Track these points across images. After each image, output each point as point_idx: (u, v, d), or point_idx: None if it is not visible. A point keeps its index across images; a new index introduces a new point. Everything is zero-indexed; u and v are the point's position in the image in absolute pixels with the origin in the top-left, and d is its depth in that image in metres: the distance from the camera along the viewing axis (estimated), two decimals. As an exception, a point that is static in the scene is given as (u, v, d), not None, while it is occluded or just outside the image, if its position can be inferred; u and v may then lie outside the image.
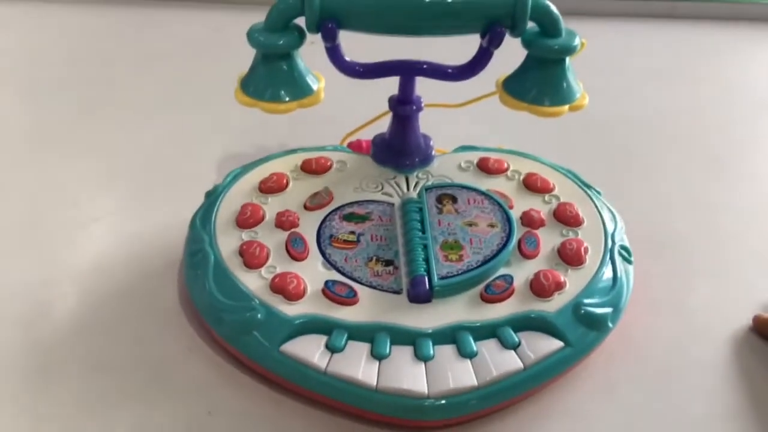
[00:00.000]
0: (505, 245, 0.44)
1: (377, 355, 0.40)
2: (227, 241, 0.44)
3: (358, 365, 0.39)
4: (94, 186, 0.55)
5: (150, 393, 0.41)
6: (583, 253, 0.44)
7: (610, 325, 0.43)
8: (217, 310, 0.42)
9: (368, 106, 0.51)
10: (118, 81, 0.67)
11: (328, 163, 0.50)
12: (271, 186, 0.48)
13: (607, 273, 0.44)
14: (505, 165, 0.50)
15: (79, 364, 0.42)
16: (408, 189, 0.48)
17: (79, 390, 0.41)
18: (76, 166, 0.56)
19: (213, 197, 0.47)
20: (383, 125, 0.51)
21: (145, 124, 0.61)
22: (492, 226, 0.45)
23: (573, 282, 0.43)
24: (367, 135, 0.53)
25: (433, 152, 0.50)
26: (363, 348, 0.40)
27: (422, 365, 0.39)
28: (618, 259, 0.45)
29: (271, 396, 0.41)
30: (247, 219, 0.46)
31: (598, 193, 0.50)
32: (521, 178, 0.49)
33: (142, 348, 0.43)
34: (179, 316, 0.45)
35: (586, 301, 0.42)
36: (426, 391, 0.38)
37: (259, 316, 0.41)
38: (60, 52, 0.71)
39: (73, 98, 0.64)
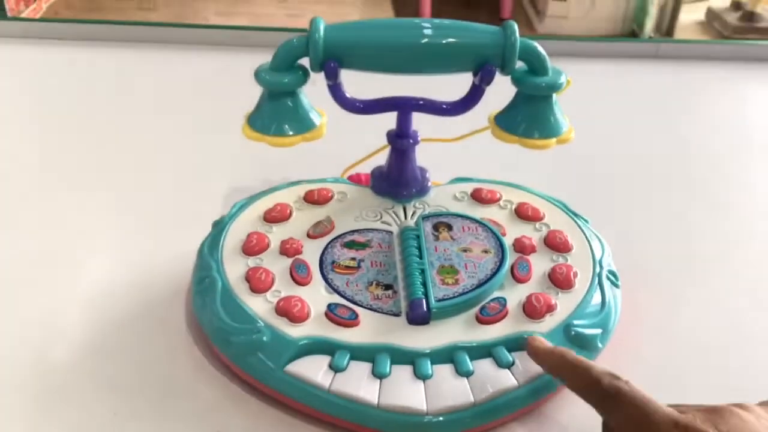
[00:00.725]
0: (498, 270, 0.46)
1: (378, 374, 0.42)
2: (234, 268, 0.47)
3: (360, 384, 0.41)
4: (104, 219, 0.57)
5: (159, 414, 0.43)
6: (572, 277, 0.47)
7: (600, 345, 0.45)
8: (224, 333, 0.44)
9: (368, 140, 0.54)
10: (127, 119, 0.70)
11: (330, 194, 0.52)
12: (276, 216, 0.50)
13: (596, 296, 0.46)
14: (498, 195, 0.53)
15: (89, 386, 0.44)
16: (406, 218, 0.51)
17: (89, 412, 0.43)
18: (86, 201, 0.59)
19: (220, 227, 0.50)
20: (382, 158, 0.53)
21: (154, 159, 0.64)
22: (486, 251, 0.48)
23: (563, 304, 0.45)
24: (366, 168, 0.55)
25: (430, 183, 0.53)
26: (365, 367, 0.42)
27: (421, 383, 0.41)
28: (606, 283, 0.47)
29: (277, 416, 0.43)
30: (253, 247, 0.48)
31: (586, 221, 0.52)
32: (513, 207, 0.52)
33: (151, 371, 0.45)
34: (187, 340, 0.47)
35: (576, 322, 0.44)
36: (425, 408, 0.40)
37: (264, 338, 0.43)
38: (68, 91, 0.74)
39: (82, 136, 0.67)
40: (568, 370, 0.40)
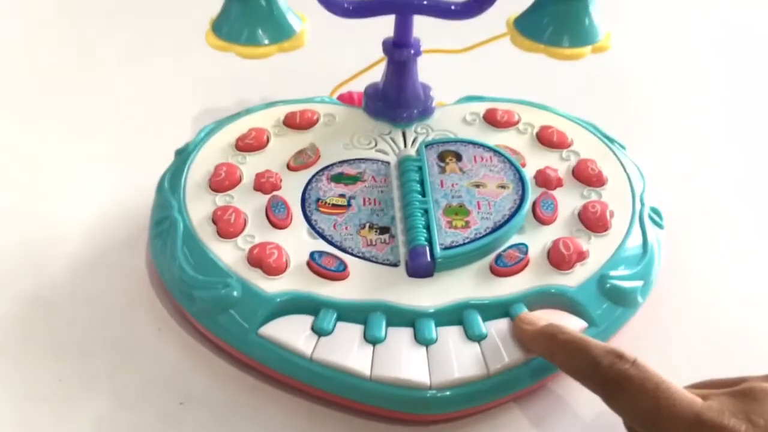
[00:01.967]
0: (518, 209, 0.38)
1: (371, 339, 0.34)
2: (199, 207, 0.39)
3: (348, 350, 0.34)
4: (53, 147, 0.48)
5: (112, 380, 0.36)
6: (608, 217, 0.39)
7: (640, 300, 0.37)
8: (186, 287, 0.36)
9: (361, 53, 0.45)
10: (79, 32, 0.60)
11: (315, 117, 0.44)
12: (250, 143, 0.42)
13: (636, 240, 0.38)
14: (516, 117, 0.44)
15: (33, 348, 0.37)
16: (405, 145, 0.42)
17: (33, 378, 0.36)
18: (33, 126, 0.50)
19: (183, 156, 0.42)
20: (377, 74, 0.44)
21: (110, 77, 0.54)
22: (502, 187, 0.39)
23: (597, 251, 0.37)
24: (360, 86, 0.46)
25: (434, 103, 0.44)
26: (354, 330, 0.34)
27: (423, 350, 0.34)
28: (648, 224, 0.39)
29: (251, 383, 0.36)
30: (221, 181, 0.40)
31: (622, 147, 0.44)
32: (534, 131, 0.43)
33: (105, 329, 0.38)
34: (148, 292, 0.39)
35: (613, 273, 0.37)
36: (428, 381, 0.33)
37: (234, 293, 0.35)
38: (14, 4, 0.64)
39: (30, 52, 0.58)
40: (561, 352, 0.32)
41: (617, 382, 0.29)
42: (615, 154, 0.42)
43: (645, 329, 0.38)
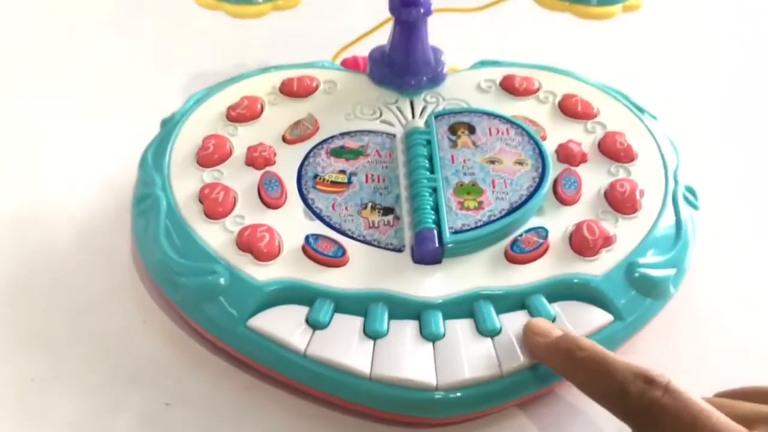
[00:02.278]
0: (537, 188, 0.34)
1: (372, 333, 0.31)
2: (184, 184, 0.35)
3: (347, 346, 0.30)
4: (27, 117, 0.44)
5: (93, 378, 0.32)
6: (637, 196, 0.35)
7: (672, 290, 0.34)
8: (169, 271, 0.33)
9: (367, 13, 0.41)
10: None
11: (314, 84, 0.40)
12: (242, 113, 0.38)
13: (669, 223, 0.35)
14: (536, 84, 0.40)
15: (2, 341, 0.34)
16: (413, 116, 0.38)
17: (2, 376, 0.32)
18: (4, 94, 0.46)
19: (169, 127, 0.38)
20: (384, 37, 0.40)
21: (92, 40, 0.50)
22: (520, 163, 0.35)
23: (625, 235, 0.34)
24: (366, 50, 0.42)
25: (445, 69, 0.40)
26: (354, 323, 0.31)
27: (430, 346, 0.31)
28: (682, 204, 0.35)
29: (246, 381, 0.32)
30: (209, 155, 0.36)
31: (654, 118, 0.39)
32: (556, 100, 0.39)
33: (84, 320, 0.34)
34: (132, 277, 0.36)
35: (642, 260, 0.33)
36: (434, 381, 0.30)
37: (221, 280, 0.32)
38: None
39: (4, 12, 0.54)
40: (581, 373, 0.28)
41: (649, 413, 0.25)
42: (646, 126, 0.38)
43: (675, 323, 0.34)
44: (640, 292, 0.33)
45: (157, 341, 0.34)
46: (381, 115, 0.38)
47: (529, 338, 0.30)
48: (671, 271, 0.33)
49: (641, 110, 0.39)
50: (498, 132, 0.37)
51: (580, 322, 0.31)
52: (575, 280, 0.32)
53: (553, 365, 0.29)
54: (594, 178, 0.36)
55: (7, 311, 0.35)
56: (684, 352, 0.34)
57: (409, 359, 0.30)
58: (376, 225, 0.34)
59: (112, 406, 0.32)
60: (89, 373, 0.33)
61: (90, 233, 0.38)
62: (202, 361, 0.33)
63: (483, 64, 0.42)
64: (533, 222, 0.34)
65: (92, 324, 0.34)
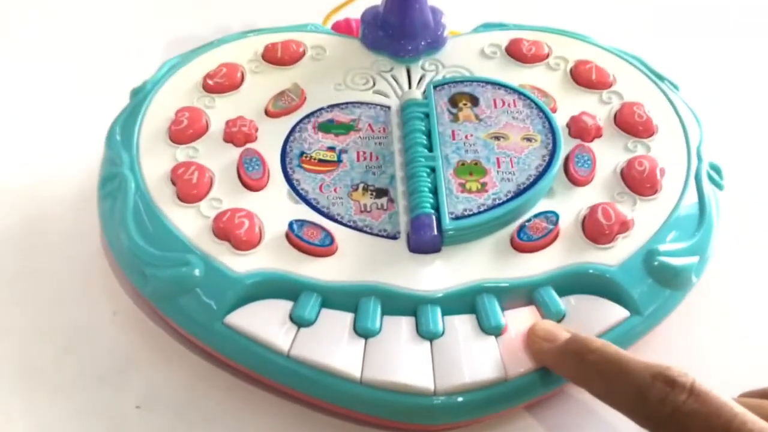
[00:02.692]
0: (547, 168, 0.31)
1: (362, 331, 0.28)
2: (155, 162, 0.32)
3: (335, 346, 0.27)
4: None
5: (58, 376, 0.29)
6: (657, 175, 0.31)
7: (694, 279, 0.30)
8: (138, 262, 0.30)
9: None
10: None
11: (300, 50, 0.36)
12: (219, 82, 0.34)
13: (691, 205, 0.31)
14: (546, 49, 0.36)
15: None
16: (410, 86, 0.35)
17: None
18: None
19: (139, 98, 0.34)
20: (378, -4, 0.37)
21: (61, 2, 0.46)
22: (528, 139, 0.32)
23: (644, 219, 0.30)
24: (358, 12, 0.38)
25: (445, 32, 0.36)
26: (343, 320, 0.28)
27: (427, 345, 0.27)
28: (706, 184, 0.32)
29: (220, 379, 0.29)
30: (183, 130, 0.33)
31: (675, 87, 0.36)
32: (568, 67, 0.35)
33: (47, 313, 0.31)
34: (101, 266, 0.33)
35: (663, 247, 0.30)
36: (431, 386, 0.27)
37: (195, 272, 0.29)
38: None
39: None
40: (595, 379, 0.25)
41: (674, 421, 0.22)
42: (666, 96, 0.35)
43: (695, 316, 0.31)
44: (659, 282, 0.30)
45: (128, 337, 0.31)
46: (374, 84, 0.35)
47: (533, 343, 0.27)
48: (693, 259, 0.30)
49: (661, 78, 0.36)
50: (504, 104, 0.33)
51: (593, 317, 0.28)
52: (589, 271, 0.29)
53: (562, 372, 0.26)
54: (609, 155, 0.32)
55: None
56: (706, 348, 0.31)
57: (404, 360, 0.27)
58: (368, 209, 0.30)
59: (78, 410, 0.29)
60: (53, 373, 0.30)
61: (55, 217, 0.35)
62: (177, 359, 0.30)
63: (487, 27, 0.38)
64: (542, 205, 0.31)
65: (57, 318, 0.31)
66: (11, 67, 0.42)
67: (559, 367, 0.26)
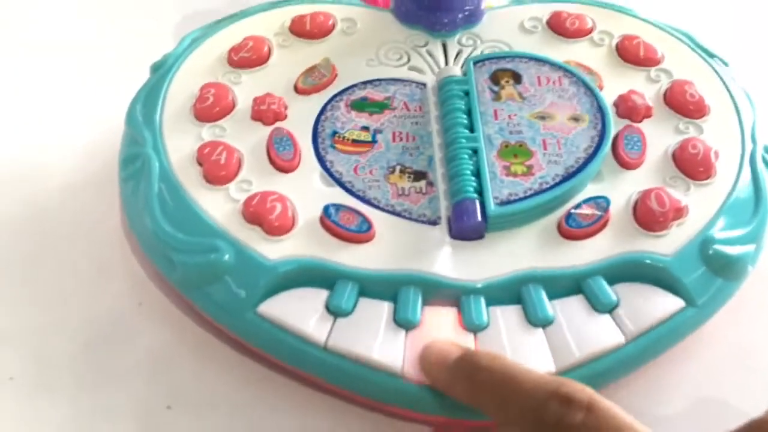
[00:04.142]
0: (597, 150, 0.29)
1: (402, 321, 0.26)
2: (180, 142, 0.30)
3: (374, 337, 0.26)
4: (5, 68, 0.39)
5: (80, 378, 0.28)
6: (712, 158, 0.30)
7: (750, 268, 0.29)
8: (163, 247, 0.28)
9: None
10: None
11: (330, 22, 0.34)
12: (246, 57, 0.33)
13: (746, 190, 0.30)
14: (590, 23, 0.34)
15: None
16: (446, 62, 0.33)
17: None
18: None
19: (161, 73, 0.32)
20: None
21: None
22: (575, 119, 0.30)
23: (698, 206, 0.29)
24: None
25: (483, 5, 0.34)
26: (381, 310, 0.26)
27: (470, 338, 0.26)
28: (762, 168, 0.30)
29: (255, 373, 0.28)
30: (209, 107, 0.31)
31: (725, 64, 0.34)
32: (614, 43, 0.34)
33: (70, 305, 0.29)
34: (121, 251, 0.31)
35: (720, 234, 0.28)
36: (477, 381, 0.25)
37: (225, 258, 0.27)
38: None
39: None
40: (488, 401, 0.23)
41: None
42: (718, 74, 0.33)
43: (749, 307, 0.30)
44: (714, 271, 0.28)
45: (156, 329, 0.29)
46: (409, 60, 0.33)
47: (424, 368, 0.25)
48: (750, 247, 0.29)
49: (711, 55, 0.34)
50: (548, 81, 0.31)
51: (647, 307, 0.27)
52: (646, 261, 0.27)
53: (455, 395, 0.24)
54: (660, 136, 0.31)
55: None
56: (760, 340, 0.29)
57: (447, 354, 0.26)
58: (406, 193, 0.29)
59: (105, 412, 0.27)
60: (76, 372, 0.28)
61: (71, 202, 0.33)
62: (208, 352, 0.28)
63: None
64: (590, 190, 0.29)
65: (79, 311, 0.29)
66: (23, 44, 0.40)
67: (451, 390, 0.24)
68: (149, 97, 0.32)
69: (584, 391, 0.22)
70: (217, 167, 0.29)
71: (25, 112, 0.37)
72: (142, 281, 0.30)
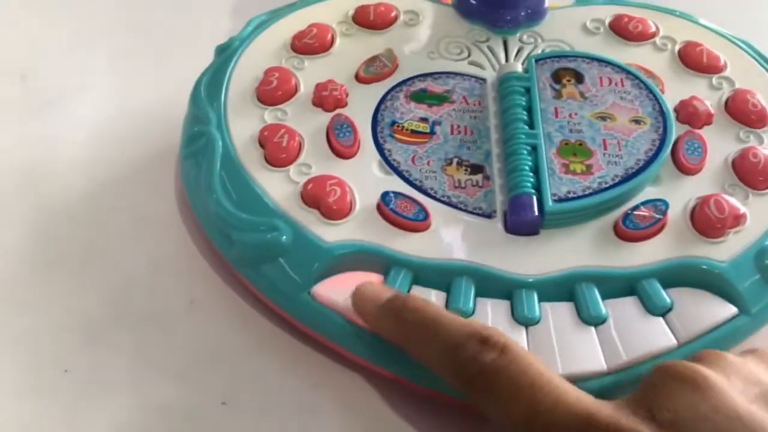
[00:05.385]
0: (657, 153, 0.29)
1: (455, 311, 0.26)
2: (243, 123, 0.31)
3: (426, 325, 0.26)
4: (63, 41, 0.38)
5: (136, 367, 0.27)
6: (772, 169, 0.30)
7: (805, 280, 0.29)
8: (223, 224, 0.29)
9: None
10: None
11: (393, 14, 0.34)
12: (309, 43, 0.33)
13: (806, 202, 0.29)
14: (653, 28, 0.34)
15: (35, 319, 0.28)
16: (507, 58, 0.33)
17: (33, 361, 0.27)
18: (42, 14, 0.40)
19: (226, 55, 0.33)
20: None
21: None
22: (637, 121, 0.30)
23: (756, 214, 0.28)
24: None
25: (546, 4, 0.35)
26: (435, 298, 0.27)
27: (522, 332, 0.26)
28: (822, 182, 0.30)
29: (304, 353, 0.28)
30: (272, 91, 0.31)
31: (787, 76, 0.34)
32: (676, 48, 0.34)
33: (126, 297, 0.29)
34: (177, 227, 0.31)
35: (775, 245, 0.28)
36: (527, 374, 0.25)
37: (283, 238, 0.28)
38: None
39: None
40: (411, 338, 0.25)
41: (482, 378, 0.23)
42: (780, 85, 0.33)
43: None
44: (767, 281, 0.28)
45: (210, 326, 0.28)
46: (469, 54, 0.33)
47: (355, 304, 0.26)
48: (807, 259, 0.28)
49: (774, 65, 0.34)
50: (610, 82, 0.31)
51: (701, 313, 0.27)
52: (702, 266, 0.27)
53: (382, 331, 0.25)
54: (720, 143, 0.30)
55: (32, 287, 0.29)
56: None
57: (498, 346, 0.26)
58: (462, 185, 0.29)
59: (159, 405, 0.26)
60: (131, 366, 0.27)
61: (133, 175, 0.33)
62: (264, 348, 0.28)
63: (587, 1, 0.36)
64: (648, 193, 0.29)
65: (135, 306, 0.29)
66: (83, 29, 0.40)
67: (379, 327, 0.25)
68: (214, 79, 0.32)
69: (503, 335, 0.23)
70: (278, 149, 0.30)
71: (82, 89, 0.36)
72: (197, 278, 0.30)
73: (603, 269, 0.27)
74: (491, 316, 0.27)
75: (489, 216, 0.28)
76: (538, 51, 0.33)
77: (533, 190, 0.28)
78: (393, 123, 0.31)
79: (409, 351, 0.25)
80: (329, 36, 0.33)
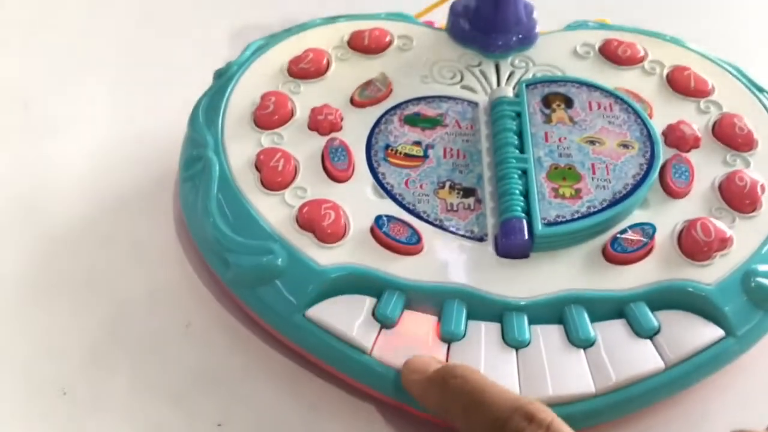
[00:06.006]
0: (645, 177, 0.30)
1: (446, 335, 0.27)
2: (240, 147, 0.31)
3: (419, 349, 0.27)
4: (63, 68, 0.39)
5: (133, 390, 0.28)
6: (758, 191, 0.30)
7: (791, 302, 0.29)
8: (219, 247, 0.29)
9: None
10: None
11: (387, 39, 0.35)
12: (305, 68, 0.34)
13: (791, 225, 0.30)
14: (641, 52, 0.35)
15: (32, 342, 0.29)
16: (499, 82, 0.34)
17: (31, 383, 0.28)
18: (40, 42, 0.40)
19: (224, 80, 0.34)
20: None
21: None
22: (625, 146, 0.31)
23: (743, 238, 0.29)
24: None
25: (537, 29, 0.35)
26: (426, 322, 0.27)
27: (512, 354, 0.27)
28: (808, 204, 0.31)
29: (299, 374, 0.28)
30: (269, 115, 0.32)
31: (774, 99, 0.34)
32: (665, 72, 0.34)
33: (124, 320, 0.30)
34: (175, 249, 0.32)
35: (762, 268, 0.28)
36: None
37: (278, 261, 0.28)
38: None
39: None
40: (455, 405, 0.24)
41: None
42: (767, 109, 0.33)
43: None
44: (755, 303, 0.28)
45: (206, 348, 0.29)
46: (462, 79, 0.34)
47: (404, 376, 0.26)
48: (792, 282, 0.29)
49: (760, 89, 0.34)
50: (599, 107, 0.32)
51: (687, 335, 0.27)
52: (688, 289, 0.28)
53: (427, 402, 0.25)
54: (707, 167, 0.31)
55: (30, 310, 0.30)
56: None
57: (488, 369, 0.26)
58: (454, 208, 0.30)
59: (157, 427, 0.27)
60: (128, 388, 0.28)
61: (131, 198, 0.33)
62: (259, 371, 0.28)
63: (579, 25, 0.37)
64: (636, 216, 0.30)
65: (132, 329, 0.29)
66: (92, 46, 0.41)
67: (425, 397, 0.25)
68: (212, 103, 0.33)
69: (547, 411, 0.23)
70: (274, 173, 0.30)
71: (82, 112, 0.37)
72: (193, 300, 0.30)
73: (592, 292, 0.28)
74: (481, 338, 0.27)
75: (480, 239, 0.29)
76: (530, 75, 0.34)
77: (523, 214, 0.29)
78: (387, 146, 0.31)
79: (453, 419, 0.24)
80: (325, 60, 0.34)
